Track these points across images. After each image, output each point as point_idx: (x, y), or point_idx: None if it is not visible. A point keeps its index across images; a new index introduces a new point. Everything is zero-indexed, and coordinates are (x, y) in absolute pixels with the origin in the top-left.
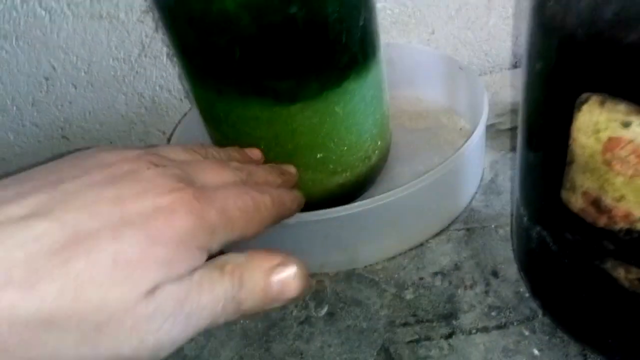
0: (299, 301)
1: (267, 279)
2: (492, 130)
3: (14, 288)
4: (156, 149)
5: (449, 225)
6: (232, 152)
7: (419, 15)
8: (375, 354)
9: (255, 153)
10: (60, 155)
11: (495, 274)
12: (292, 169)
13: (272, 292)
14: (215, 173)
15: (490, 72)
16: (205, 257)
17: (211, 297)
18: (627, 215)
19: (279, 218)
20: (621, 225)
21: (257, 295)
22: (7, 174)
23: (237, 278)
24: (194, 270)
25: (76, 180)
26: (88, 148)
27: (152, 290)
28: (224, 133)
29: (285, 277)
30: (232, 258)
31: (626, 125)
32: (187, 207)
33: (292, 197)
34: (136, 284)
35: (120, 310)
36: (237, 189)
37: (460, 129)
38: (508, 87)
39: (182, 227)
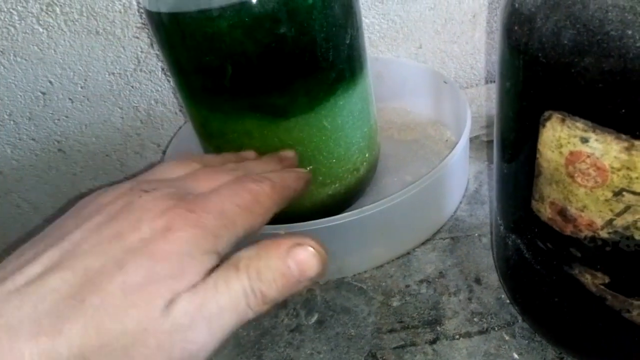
0: (320, 279)
1: (284, 263)
2: (476, 142)
3: (46, 336)
4: (151, 173)
5: (435, 234)
6: (228, 156)
7: (406, 30)
8: (362, 359)
9: (250, 155)
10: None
11: (478, 281)
12: (290, 153)
13: (292, 275)
14: (209, 179)
15: (476, 84)
16: (215, 260)
17: (229, 296)
18: (590, 224)
19: (285, 200)
20: (585, 233)
21: (278, 282)
22: (4, 188)
23: (253, 271)
24: (207, 275)
25: (79, 229)
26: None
27: (166, 306)
28: (218, 147)
29: (302, 256)
30: (244, 253)
31: (585, 141)
32: (182, 221)
33: (294, 176)
34: (148, 304)
35: (141, 332)
36: (232, 187)
37: (447, 140)
38: (493, 100)
39: (181, 240)
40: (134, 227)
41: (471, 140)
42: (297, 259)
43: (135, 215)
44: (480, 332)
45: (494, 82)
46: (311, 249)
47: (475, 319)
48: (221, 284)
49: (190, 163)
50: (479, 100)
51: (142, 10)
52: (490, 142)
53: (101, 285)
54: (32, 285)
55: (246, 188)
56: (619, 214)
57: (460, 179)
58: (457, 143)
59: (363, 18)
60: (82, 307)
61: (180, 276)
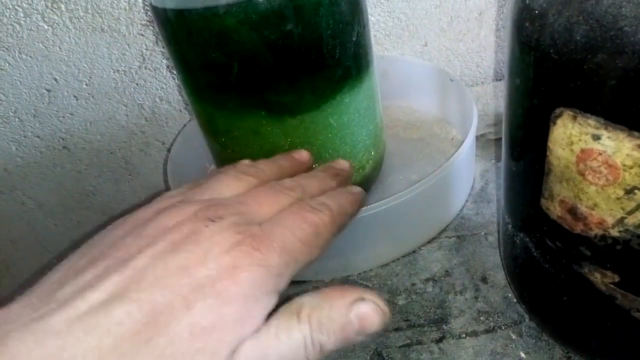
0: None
1: (346, 316)
2: (482, 140)
3: None
4: (209, 188)
5: (441, 232)
6: (281, 161)
7: (412, 28)
8: (368, 358)
9: (303, 155)
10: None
11: (484, 279)
12: (344, 164)
13: (352, 329)
14: (270, 203)
15: (482, 82)
16: (276, 300)
17: (290, 346)
18: (600, 222)
19: (342, 228)
20: (596, 231)
21: (338, 335)
22: (9, 185)
23: (315, 321)
24: (268, 318)
25: (142, 254)
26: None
27: (231, 353)
28: (223, 144)
29: (364, 312)
30: (307, 301)
31: (596, 138)
32: (248, 260)
33: (352, 200)
34: (214, 351)
35: None
36: (293, 218)
37: (452, 138)
38: (499, 98)
39: (248, 281)
40: (200, 262)
41: (477, 138)
42: (360, 313)
43: (203, 249)
44: (487, 331)
45: (501, 80)
46: (372, 305)
47: (481, 318)
48: (283, 332)
49: (246, 178)
50: (485, 99)
51: (147, 8)
52: (496, 140)
53: (168, 326)
54: (96, 315)
55: (307, 220)
56: (630, 212)
57: (466, 177)
58: (463, 141)
59: (369, 15)
60: (148, 348)
61: (245, 321)
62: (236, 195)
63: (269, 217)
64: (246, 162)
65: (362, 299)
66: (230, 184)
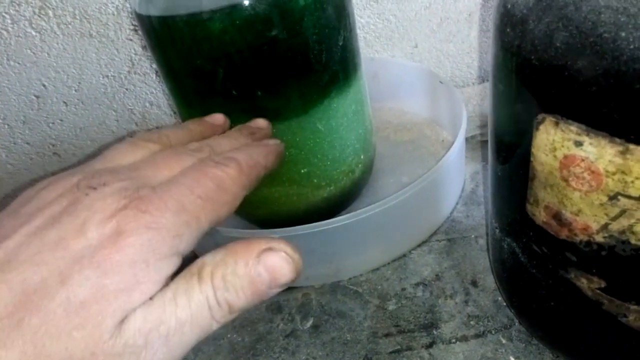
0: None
1: (254, 270)
2: (473, 142)
3: None
4: (101, 159)
5: (431, 235)
6: (192, 125)
7: (402, 30)
8: None
9: (217, 118)
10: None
11: (474, 283)
12: (262, 122)
13: (262, 282)
14: (170, 166)
15: (473, 84)
16: (176, 263)
17: (191, 310)
18: (585, 228)
19: (255, 181)
20: (581, 237)
21: (246, 291)
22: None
23: (218, 279)
24: (166, 283)
25: (16, 233)
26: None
27: (117, 326)
28: None
29: (273, 262)
30: (209, 259)
31: (579, 144)
32: (134, 223)
33: (264, 151)
34: (96, 325)
35: (88, 357)
36: (192, 175)
37: (443, 140)
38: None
39: (134, 246)
40: (78, 232)
41: (467, 140)
42: (268, 264)
43: (81, 218)
44: (477, 336)
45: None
46: (283, 253)
47: (471, 322)
48: (181, 296)
49: (146, 144)
50: (475, 100)
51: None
52: (487, 142)
53: (41, 303)
54: None
55: (208, 175)
56: (614, 219)
57: (456, 179)
58: (453, 143)
59: (358, 18)
60: (20, 330)
61: (133, 289)
62: (132, 162)
63: (167, 180)
64: (151, 130)
65: (270, 249)
66: (126, 152)
